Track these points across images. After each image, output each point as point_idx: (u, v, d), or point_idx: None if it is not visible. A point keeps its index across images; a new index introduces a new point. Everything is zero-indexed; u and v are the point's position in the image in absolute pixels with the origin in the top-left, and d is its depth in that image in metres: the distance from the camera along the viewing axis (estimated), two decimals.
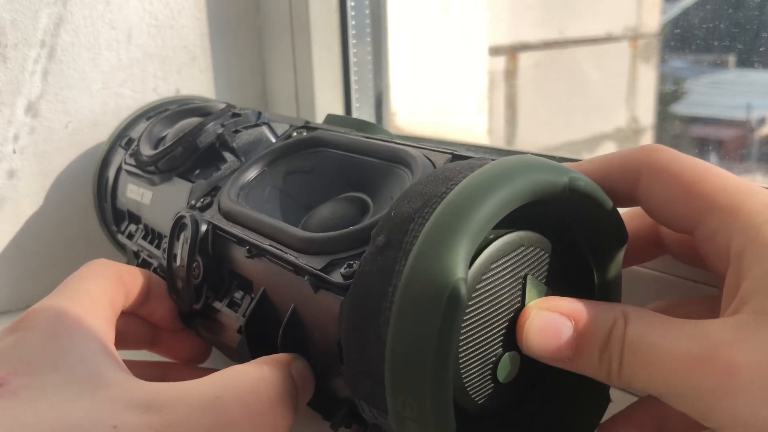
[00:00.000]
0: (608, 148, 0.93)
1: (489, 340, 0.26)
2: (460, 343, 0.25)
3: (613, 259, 0.29)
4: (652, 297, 0.35)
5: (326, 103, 0.62)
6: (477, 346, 0.25)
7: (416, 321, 0.22)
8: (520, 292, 0.26)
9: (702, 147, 0.73)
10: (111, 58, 0.54)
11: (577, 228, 0.29)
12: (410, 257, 0.23)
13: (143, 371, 0.30)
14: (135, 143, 0.47)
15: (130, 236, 0.45)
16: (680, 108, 0.84)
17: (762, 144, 0.74)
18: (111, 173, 0.49)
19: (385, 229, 0.25)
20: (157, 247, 0.41)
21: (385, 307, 0.23)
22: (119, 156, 0.49)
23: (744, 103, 0.75)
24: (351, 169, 0.34)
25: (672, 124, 0.83)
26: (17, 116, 0.50)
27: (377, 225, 0.26)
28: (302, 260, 0.28)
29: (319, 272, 0.27)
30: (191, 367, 0.38)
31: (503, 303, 0.26)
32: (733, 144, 0.74)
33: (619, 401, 0.37)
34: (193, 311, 0.35)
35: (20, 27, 0.49)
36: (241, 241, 0.32)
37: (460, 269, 0.22)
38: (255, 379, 0.26)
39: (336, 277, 0.27)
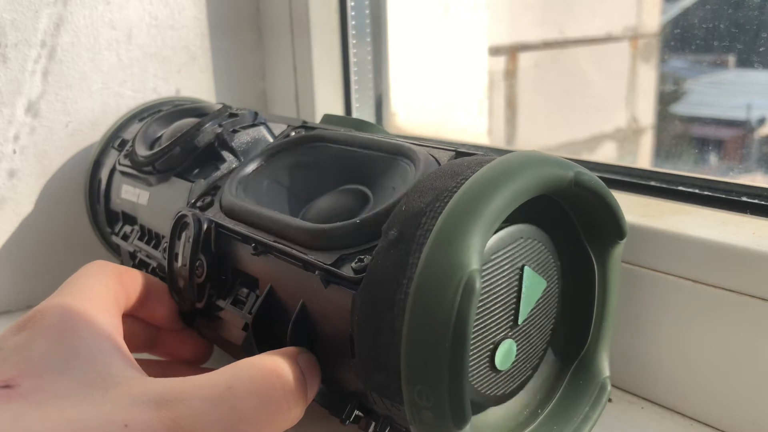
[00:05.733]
0: (608, 148, 0.93)
1: (487, 328, 0.26)
2: None
3: (613, 251, 0.30)
4: (652, 297, 0.35)
5: (326, 103, 0.62)
6: (476, 334, 0.26)
7: (432, 311, 0.23)
8: (517, 283, 0.27)
9: (702, 147, 0.73)
10: (111, 58, 0.54)
11: (579, 221, 0.30)
12: (424, 250, 0.24)
13: (145, 371, 0.30)
14: (129, 144, 0.47)
15: (125, 237, 0.45)
16: (680, 108, 0.84)
17: (762, 144, 0.74)
18: (104, 175, 0.49)
19: (397, 224, 0.25)
20: (155, 247, 0.41)
21: (399, 299, 0.24)
22: (112, 157, 0.49)
23: (744, 103, 0.75)
24: (350, 162, 0.34)
25: (672, 124, 0.83)
26: (17, 116, 0.50)
27: (388, 219, 0.26)
28: (311, 256, 0.28)
29: (329, 267, 0.27)
30: (193, 367, 0.38)
31: (501, 292, 0.27)
32: (733, 144, 0.74)
33: (619, 401, 0.37)
34: (195, 310, 0.35)
35: (20, 27, 0.49)
36: (246, 239, 0.32)
37: (474, 260, 0.23)
38: (266, 369, 0.26)
39: (347, 271, 0.27)
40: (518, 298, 0.27)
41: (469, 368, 0.26)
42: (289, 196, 0.36)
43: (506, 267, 0.27)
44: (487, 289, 0.26)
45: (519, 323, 0.28)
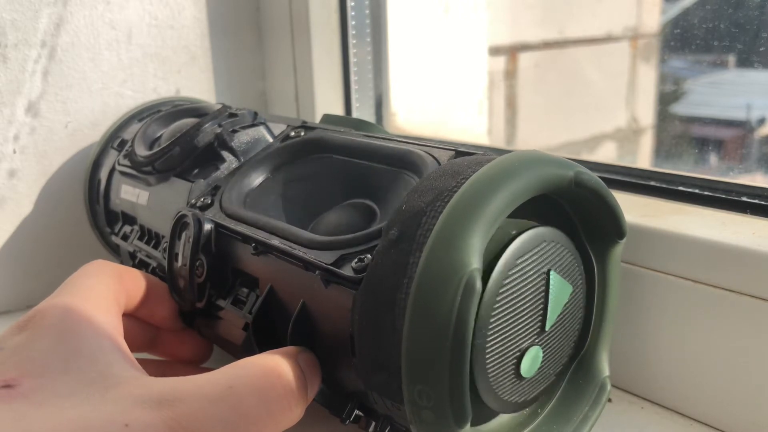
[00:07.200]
0: (608, 148, 0.93)
1: (515, 335, 0.26)
2: (488, 338, 0.25)
3: (613, 251, 0.30)
4: (652, 297, 0.35)
5: (326, 103, 0.62)
6: (504, 341, 0.26)
7: (432, 311, 0.23)
8: (543, 288, 0.27)
9: (702, 147, 0.73)
10: (111, 58, 0.54)
11: (579, 221, 0.30)
12: (425, 250, 0.24)
13: (145, 370, 0.30)
14: (128, 144, 0.47)
15: (125, 237, 0.45)
16: (680, 108, 0.84)
17: (762, 144, 0.74)
18: (103, 175, 0.49)
19: (398, 223, 0.25)
20: (155, 247, 0.41)
21: (400, 299, 0.24)
22: (111, 158, 0.49)
23: (744, 103, 0.75)
24: (357, 176, 0.34)
25: (672, 124, 0.83)
26: (17, 116, 0.50)
27: (389, 219, 0.26)
28: (311, 255, 0.28)
29: (330, 266, 0.27)
30: (193, 366, 0.38)
31: (528, 298, 0.26)
32: (733, 144, 0.74)
33: (619, 401, 0.37)
34: (196, 310, 0.35)
35: (20, 27, 0.49)
36: (247, 239, 0.32)
37: (475, 260, 0.23)
38: (267, 368, 0.26)
39: (347, 270, 0.27)
40: (545, 303, 0.27)
41: (491, 375, 0.26)
42: (296, 211, 0.35)
43: (532, 272, 0.26)
44: (514, 295, 0.26)
45: (546, 329, 0.27)
